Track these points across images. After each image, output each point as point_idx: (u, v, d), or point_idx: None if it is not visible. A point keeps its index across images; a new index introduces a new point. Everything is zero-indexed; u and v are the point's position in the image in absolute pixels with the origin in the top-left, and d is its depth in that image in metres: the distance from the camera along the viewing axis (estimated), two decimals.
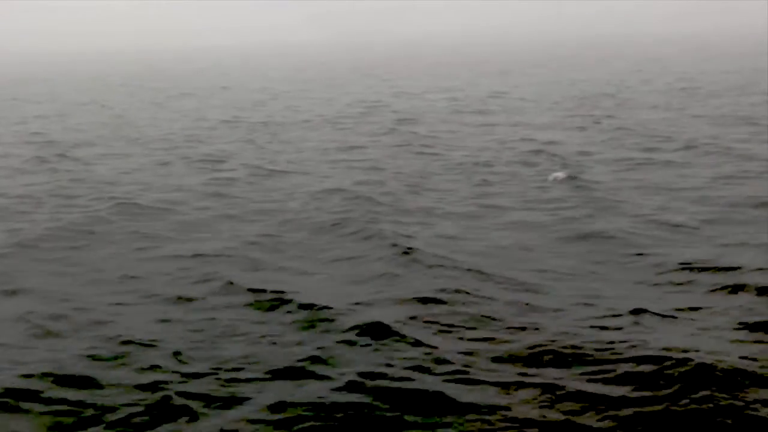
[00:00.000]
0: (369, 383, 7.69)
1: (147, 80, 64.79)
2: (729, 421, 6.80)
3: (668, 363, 7.77)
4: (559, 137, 24.16)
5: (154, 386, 7.78)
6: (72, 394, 7.74)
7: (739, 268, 10.70)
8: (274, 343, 8.80)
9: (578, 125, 26.95)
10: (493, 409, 7.18)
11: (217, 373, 8.07)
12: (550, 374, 7.82)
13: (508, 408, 7.19)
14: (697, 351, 8.06)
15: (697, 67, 58.54)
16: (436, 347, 8.50)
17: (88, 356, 8.58)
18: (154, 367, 8.25)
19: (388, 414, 7.17)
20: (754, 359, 7.94)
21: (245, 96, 45.29)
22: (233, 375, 8.03)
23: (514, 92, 41.57)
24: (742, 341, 8.45)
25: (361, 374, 7.86)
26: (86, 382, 7.98)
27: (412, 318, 9.38)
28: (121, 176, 19.57)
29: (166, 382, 7.87)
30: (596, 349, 8.27)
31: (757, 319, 8.95)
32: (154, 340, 8.94)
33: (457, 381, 7.72)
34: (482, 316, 9.35)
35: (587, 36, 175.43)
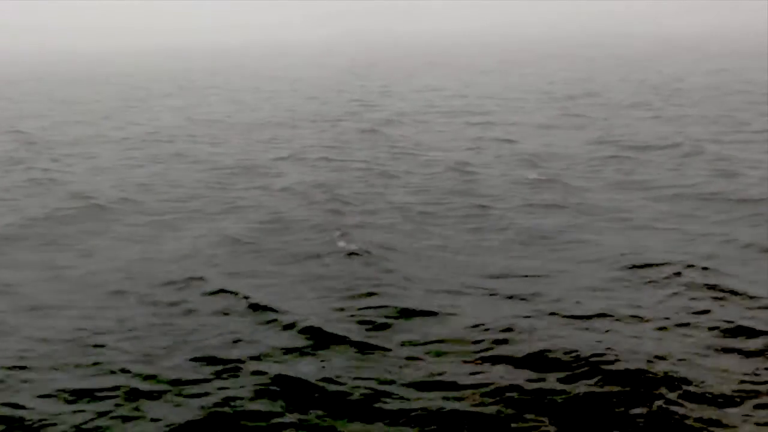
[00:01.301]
0: (320, 386, 7.70)
1: (142, 80, 64.62)
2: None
3: (620, 363, 7.79)
4: (541, 137, 24.14)
5: (97, 389, 7.81)
6: (23, 397, 7.71)
7: (699, 267, 10.74)
8: (226, 343, 8.79)
9: (562, 125, 26.92)
10: (442, 411, 7.18)
11: (169, 374, 8.09)
12: (505, 376, 7.81)
13: (458, 410, 7.18)
14: (646, 351, 8.09)
15: (689, 67, 58.42)
16: (388, 350, 8.51)
17: (44, 356, 8.59)
18: (103, 367, 8.27)
19: (335, 419, 7.17)
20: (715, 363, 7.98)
21: (234, 96, 45.14)
22: (183, 375, 8.06)
23: (505, 92, 41.43)
24: (705, 344, 8.45)
25: (314, 378, 7.86)
26: (42, 384, 7.97)
27: (363, 321, 9.38)
28: (96, 176, 19.54)
29: (114, 383, 7.91)
30: (548, 349, 8.26)
31: (721, 323, 8.92)
32: (106, 339, 8.97)
33: (408, 385, 7.71)
34: (439, 319, 9.32)
35: (591, 35, 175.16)
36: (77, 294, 10.68)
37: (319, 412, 7.23)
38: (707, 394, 7.27)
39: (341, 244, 12.46)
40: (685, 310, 9.33)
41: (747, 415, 6.98)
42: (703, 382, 7.50)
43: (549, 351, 8.22)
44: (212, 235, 13.35)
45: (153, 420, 7.20)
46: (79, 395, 7.68)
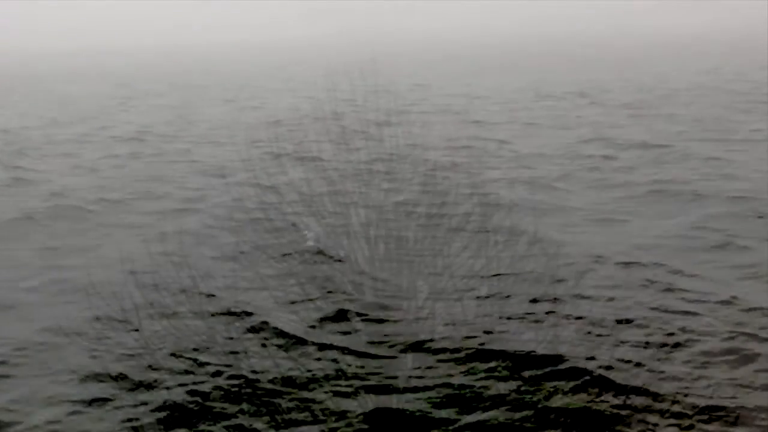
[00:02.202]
0: (293, 389, 7.58)
1: (136, 79, 64.88)
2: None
3: (605, 371, 7.65)
4: (535, 137, 24.15)
5: (65, 390, 7.75)
6: None
7: (657, 263, 10.76)
8: (200, 344, 8.68)
9: (557, 125, 26.98)
10: (419, 413, 7.06)
11: (140, 374, 7.99)
12: (490, 377, 7.70)
13: (437, 413, 7.07)
14: (635, 356, 7.94)
15: (686, 67, 58.54)
16: (367, 352, 8.36)
17: (12, 356, 8.51)
18: (71, 369, 8.18)
19: (306, 420, 7.04)
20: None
21: (226, 95, 45.17)
22: (153, 375, 7.97)
23: (502, 92, 41.53)
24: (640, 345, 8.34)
25: (286, 380, 7.76)
26: (10, 386, 7.86)
27: (326, 321, 9.28)
28: (78, 176, 19.50)
29: (83, 384, 7.83)
30: (530, 351, 8.12)
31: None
32: (76, 340, 8.90)
33: (388, 387, 7.58)
34: (419, 320, 9.17)
35: (590, 35, 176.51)
36: (47, 294, 10.59)
37: (292, 414, 7.12)
38: (688, 402, 7.10)
39: (326, 244, 12.31)
40: (672, 313, 9.15)
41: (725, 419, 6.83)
42: (683, 388, 7.34)
43: (532, 352, 8.10)
44: (191, 234, 13.26)
45: (122, 421, 7.11)
46: (47, 396, 7.60)
